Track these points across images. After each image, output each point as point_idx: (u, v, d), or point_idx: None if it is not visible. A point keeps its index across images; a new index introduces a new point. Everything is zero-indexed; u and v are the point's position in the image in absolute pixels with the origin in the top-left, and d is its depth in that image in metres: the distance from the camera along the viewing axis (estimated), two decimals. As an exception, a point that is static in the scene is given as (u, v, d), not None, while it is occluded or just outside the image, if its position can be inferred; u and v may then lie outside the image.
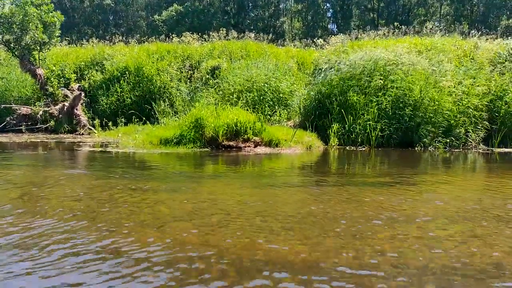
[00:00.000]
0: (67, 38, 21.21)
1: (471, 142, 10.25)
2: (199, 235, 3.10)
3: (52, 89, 14.70)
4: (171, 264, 2.56)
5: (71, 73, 15.58)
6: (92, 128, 13.58)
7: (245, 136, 9.45)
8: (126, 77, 14.81)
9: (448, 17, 38.82)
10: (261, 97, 12.46)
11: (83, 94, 14.40)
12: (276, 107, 12.45)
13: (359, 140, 10.28)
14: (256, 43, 16.98)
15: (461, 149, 9.95)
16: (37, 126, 14.13)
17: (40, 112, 14.17)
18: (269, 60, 14.34)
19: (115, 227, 3.29)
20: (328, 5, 46.49)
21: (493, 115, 10.64)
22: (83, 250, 2.79)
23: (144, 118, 13.35)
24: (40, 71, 14.93)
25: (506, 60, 11.72)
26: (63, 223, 3.37)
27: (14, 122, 14.18)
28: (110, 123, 13.50)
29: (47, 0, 14.47)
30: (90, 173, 6.12)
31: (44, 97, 14.78)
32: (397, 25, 15.57)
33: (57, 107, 14.33)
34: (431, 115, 10.14)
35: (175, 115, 13.13)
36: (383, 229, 3.30)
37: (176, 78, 14.86)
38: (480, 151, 9.79)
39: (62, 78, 15.32)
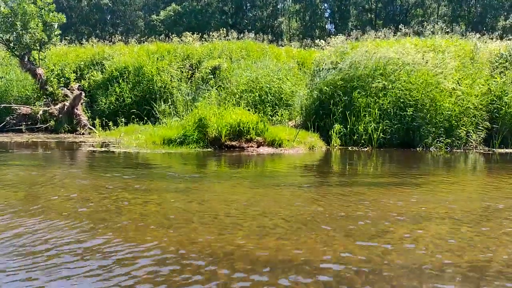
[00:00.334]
0: (66, 38, 21.14)
1: (471, 143, 10.31)
2: (210, 234, 3.11)
3: (52, 88, 14.65)
4: (181, 262, 2.58)
5: (71, 72, 15.54)
6: (93, 128, 13.54)
7: (248, 136, 9.46)
8: (126, 77, 14.79)
9: (445, 17, 38.95)
10: (262, 98, 12.47)
11: (83, 94, 14.36)
12: (277, 107, 12.47)
13: (361, 140, 10.31)
14: (256, 43, 17.00)
15: (462, 150, 10.01)
16: (37, 126, 14.07)
17: (40, 112, 14.11)
18: (270, 60, 14.35)
19: (133, 230, 3.30)
20: (326, 5, 46.60)
21: (493, 115, 10.69)
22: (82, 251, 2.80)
23: (145, 118, 13.33)
24: (40, 70, 14.87)
25: (506, 61, 11.78)
26: (77, 223, 3.38)
27: (14, 121, 14.12)
28: (110, 123, 13.47)
29: (49, 0, 14.42)
30: (100, 174, 6.12)
31: (44, 96, 14.72)
32: (401, 27, 15.63)
33: (57, 106, 14.29)
34: (433, 115, 10.19)
35: (176, 115, 13.12)
36: (400, 228, 3.33)
37: (176, 78, 14.85)
38: (481, 151, 9.85)
39: (62, 78, 15.27)
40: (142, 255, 2.72)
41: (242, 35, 19.39)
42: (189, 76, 15.18)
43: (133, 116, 13.65)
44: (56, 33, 14.98)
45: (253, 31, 23.18)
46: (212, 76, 14.48)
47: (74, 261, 2.61)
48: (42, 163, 7.11)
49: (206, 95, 13.03)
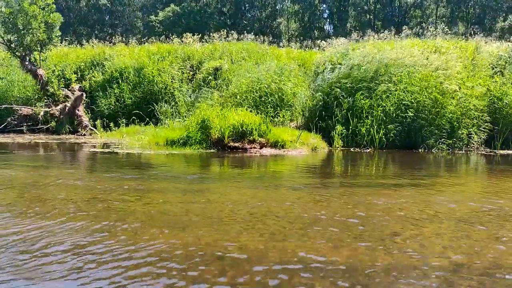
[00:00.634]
0: (66, 39, 21.12)
1: (473, 144, 10.36)
2: (215, 235, 3.13)
3: (53, 89, 14.64)
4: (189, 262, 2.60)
5: (72, 73, 15.53)
6: (94, 129, 13.54)
7: (251, 137, 9.47)
8: (126, 78, 14.80)
9: (444, 19, 39.10)
10: (263, 99, 12.48)
11: (84, 95, 14.36)
12: (279, 109, 12.50)
13: (364, 142, 10.35)
14: (257, 44, 17.03)
15: (463, 151, 10.06)
16: (38, 127, 14.06)
17: (41, 113, 14.10)
18: (271, 61, 14.38)
19: (138, 231, 3.32)
20: (324, 6, 46.72)
21: (495, 117, 10.75)
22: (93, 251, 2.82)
23: (147, 119, 13.33)
24: (41, 71, 14.86)
25: (506, 62, 11.86)
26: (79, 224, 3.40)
27: (15, 122, 14.10)
28: (111, 124, 13.48)
29: (50, 1, 14.41)
30: (104, 175, 6.12)
31: (45, 97, 14.71)
32: (404, 28, 15.71)
33: (59, 107, 14.28)
34: (434, 117, 10.24)
35: (177, 116, 13.13)
36: (408, 229, 3.36)
37: (177, 79, 14.86)
38: (483, 153, 9.91)
39: (63, 79, 15.26)
40: (147, 255, 2.74)
41: (241, 36, 19.42)
42: (190, 77, 15.20)
43: (134, 117, 13.66)
44: (57, 33, 14.96)
45: (252, 32, 23.22)
46: (213, 77, 14.50)
47: (74, 261, 2.63)
48: (45, 164, 7.11)
49: (209, 96, 13.04)
